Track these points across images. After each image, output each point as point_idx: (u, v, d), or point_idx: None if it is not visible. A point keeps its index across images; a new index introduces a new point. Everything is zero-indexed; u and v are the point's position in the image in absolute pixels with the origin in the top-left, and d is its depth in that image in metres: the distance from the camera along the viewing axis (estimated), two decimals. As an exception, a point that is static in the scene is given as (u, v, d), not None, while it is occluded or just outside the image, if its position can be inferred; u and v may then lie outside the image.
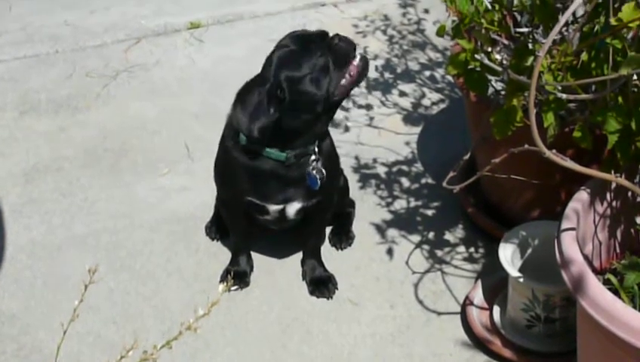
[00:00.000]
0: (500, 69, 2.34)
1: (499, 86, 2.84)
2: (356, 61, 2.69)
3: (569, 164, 2.02)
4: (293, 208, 2.86)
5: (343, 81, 2.67)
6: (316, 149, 2.77)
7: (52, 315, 2.94)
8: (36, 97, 4.01)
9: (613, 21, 1.95)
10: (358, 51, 2.73)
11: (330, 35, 2.71)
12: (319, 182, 2.77)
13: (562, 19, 1.72)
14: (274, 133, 2.66)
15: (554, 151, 2.02)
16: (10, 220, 3.35)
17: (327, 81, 2.64)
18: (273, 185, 2.79)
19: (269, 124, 2.62)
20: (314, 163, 2.77)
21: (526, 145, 2.12)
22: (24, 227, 3.32)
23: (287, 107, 2.62)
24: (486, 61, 2.36)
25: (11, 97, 4.02)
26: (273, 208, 2.86)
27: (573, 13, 2.44)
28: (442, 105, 3.82)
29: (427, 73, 4.02)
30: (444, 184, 2.53)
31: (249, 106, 2.66)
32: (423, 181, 3.42)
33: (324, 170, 2.78)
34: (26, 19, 4.61)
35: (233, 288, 2.97)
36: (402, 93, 3.91)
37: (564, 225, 2.27)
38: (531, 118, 1.87)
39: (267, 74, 2.65)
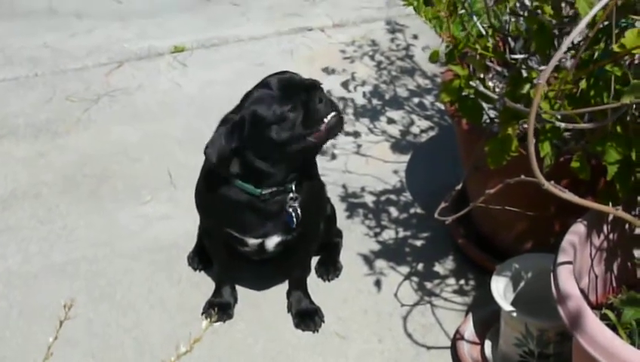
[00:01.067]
0: (495, 96, 2.27)
1: (491, 114, 2.78)
2: (327, 119, 2.60)
3: (568, 195, 1.95)
4: (272, 242, 2.81)
5: (309, 138, 2.60)
6: (293, 188, 2.71)
7: (28, 347, 2.85)
8: (15, 121, 3.93)
9: (615, 47, 1.88)
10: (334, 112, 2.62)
11: (320, 88, 2.62)
12: (294, 221, 2.72)
13: (564, 45, 1.64)
14: (243, 168, 2.64)
15: (552, 182, 1.95)
16: (-14, 248, 3.25)
17: (287, 135, 2.58)
18: (251, 218, 2.74)
19: (226, 153, 2.60)
20: (291, 201, 2.71)
21: (523, 176, 2.04)
22: (0, 255, 3.21)
23: (245, 141, 2.60)
24: (481, 88, 2.28)
25: (-11, 121, 3.94)
26: (252, 241, 2.81)
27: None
28: (431, 133, 3.75)
29: (416, 100, 3.96)
30: (436, 215, 2.46)
31: (216, 133, 2.65)
32: (412, 211, 3.34)
33: (299, 210, 2.72)
34: (5, 40, 4.53)
35: (217, 323, 2.88)
36: (390, 121, 3.84)
37: (561, 258, 2.21)
38: (530, 148, 1.79)
39: (241, 105, 2.64)
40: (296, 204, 2.71)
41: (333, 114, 2.60)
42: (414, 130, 3.79)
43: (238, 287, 3.01)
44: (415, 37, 4.44)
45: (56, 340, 1.78)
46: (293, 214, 2.72)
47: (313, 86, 2.63)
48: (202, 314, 2.94)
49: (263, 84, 2.64)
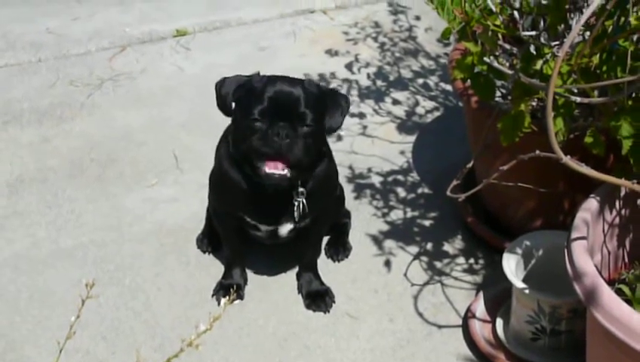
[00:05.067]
0: (510, 72, 2.26)
1: (500, 92, 2.77)
2: (270, 170, 2.57)
3: (585, 170, 1.95)
4: (285, 229, 2.83)
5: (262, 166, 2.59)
6: (299, 182, 2.69)
7: (38, 331, 2.85)
8: (19, 107, 3.91)
9: (633, 20, 1.87)
10: (276, 168, 2.57)
11: (290, 123, 2.58)
12: (296, 215, 2.73)
13: (583, 18, 1.64)
14: (236, 151, 2.68)
15: (568, 157, 1.95)
16: (-6, 233, 3.24)
17: (253, 133, 2.58)
18: (263, 205, 2.75)
19: (230, 98, 2.68)
20: (296, 196, 2.70)
21: (537, 152, 2.05)
22: (8, 240, 3.21)
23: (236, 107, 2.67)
24: (495, 64, 2.28)
25: (-7, 107, 3.92)
26: (265, 227, 2.83)
27: (581, 15, 2.37)
28: (437, 113, 3.75)
29: (420, 81, 3.95)
30: (448, 193, 2.45)
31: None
32: (420, 191, 3.34)
33: (304, 205, 2.71)
34: (7, 26, 4.50)
35: (235, 301, 2.88)
36: (395, 101, 3.83)
37: (574, 234, 2.21)
38: (549, 121, 1.79)
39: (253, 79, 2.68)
40: (301, 198, 2.71)
41: (280, 172, 2.58)
42: (419, 110, 3.78)
43: (247, 269, 3.01)
44: (417, 18, 4.42)
45: (74, 320, 1.78)
46: (295, 209, 2.72)
47: (293, 104, 2.60)
48: (212, 295, 2.94)
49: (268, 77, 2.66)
